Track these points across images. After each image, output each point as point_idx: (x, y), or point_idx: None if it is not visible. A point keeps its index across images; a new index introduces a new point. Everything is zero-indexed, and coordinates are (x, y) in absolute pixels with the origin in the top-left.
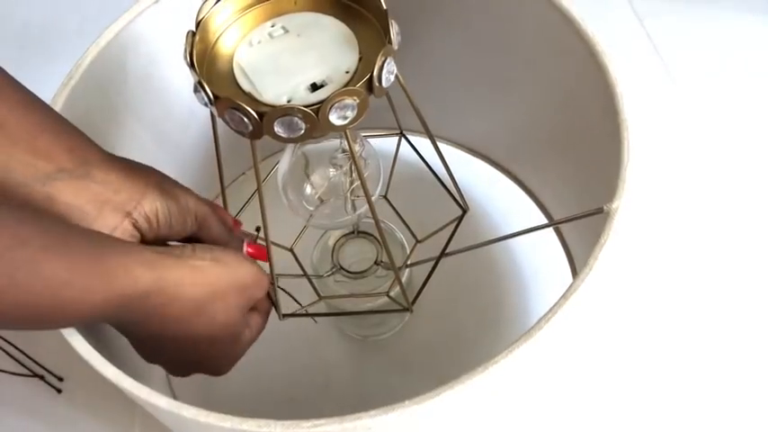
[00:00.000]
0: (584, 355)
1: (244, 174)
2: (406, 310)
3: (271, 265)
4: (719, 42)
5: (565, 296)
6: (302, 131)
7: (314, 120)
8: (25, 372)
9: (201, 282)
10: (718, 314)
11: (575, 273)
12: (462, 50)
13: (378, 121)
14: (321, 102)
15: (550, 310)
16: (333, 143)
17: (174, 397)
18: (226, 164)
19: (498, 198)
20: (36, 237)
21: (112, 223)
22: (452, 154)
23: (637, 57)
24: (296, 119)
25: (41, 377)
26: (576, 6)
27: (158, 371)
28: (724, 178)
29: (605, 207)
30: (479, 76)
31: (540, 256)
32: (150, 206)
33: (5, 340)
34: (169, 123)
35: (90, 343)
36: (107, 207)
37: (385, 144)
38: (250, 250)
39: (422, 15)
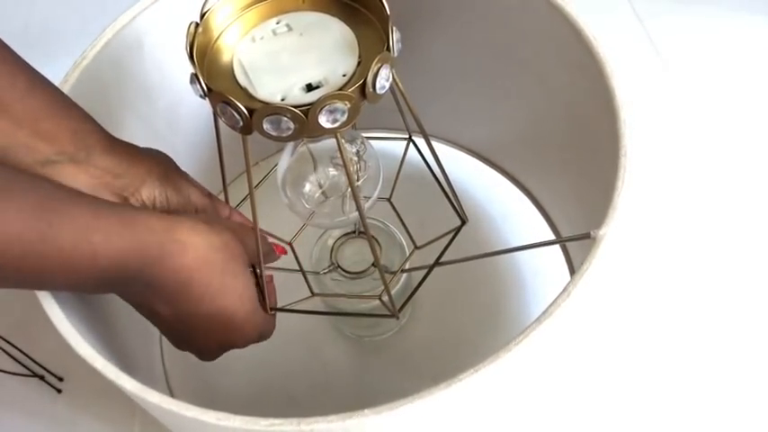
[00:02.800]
0: (558, 371)
1: (257, 164)
2: (392, 316)
3: (260, 259)
4: (720, 42)
5: (539, 320)
6: (291, 131)
7: (303, 121)
8: (25, 372)
9: (214, 231)
10: (709, 322)
11: (572, 272)
12: (475, 56)
13: (388, 122)
14: (312, 103)
15: (522, 332)
16: (335, 142)
17: (172, 395)
18: (235, 156)
19: (501, 202)
20: (62, 190)
21: None
22: (460, 158)
23: (637, 57)
24: (285, 118)
25: (41, 377)
26: (577, 6)
27: (158, 367)
28: (720, 179)
29: (592, 233)
30: (491, 84)
31: (539, 257)
32: (148, 193)
33: (5, 340)
34: (182, 110)
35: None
36: (105, 190)
37: (395, 146)
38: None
39: (436, 20)
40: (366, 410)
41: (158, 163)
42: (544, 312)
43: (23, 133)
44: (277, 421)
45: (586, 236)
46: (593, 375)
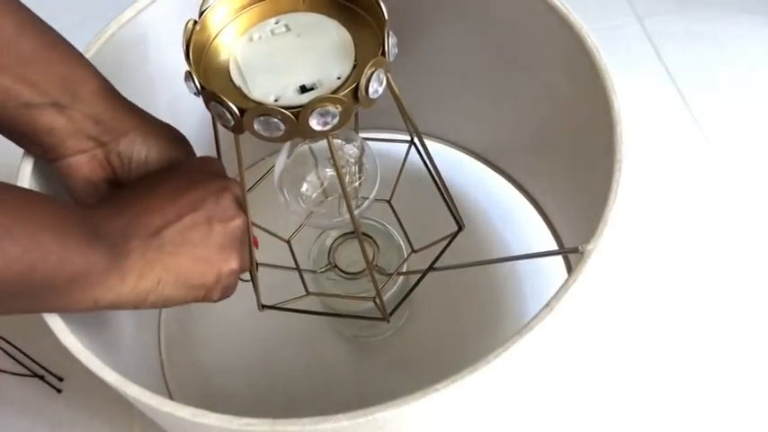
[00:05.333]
0: (547, 378)
1: (263, 159)
2: (383, 319)
3: (252, 255)
4: (719, 42)
5: (520, 333)
6: (282, 132)
7: (293, 122)
8: (25, 372)
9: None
10: (702, 335)
11: (570, 271)
12: (480, 61)
13: (392, 123)
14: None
15: (503, 344)
16: (334, 142)
17: (171, 397)
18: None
19: (503, 205)
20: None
21: (84, 146)
22: (462, 159)
23: (636, 57)
24: (275, 120)
25: (41, 377)
26: (575, 7)
27: (156, 367)
28: (721, 179)
29: (580, 248)
30: (495, 88)
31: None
32: (126, 147)
33: (5, 340)
34: (185, 105)
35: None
36: (82, 133)
37: (397, 147)
38: None
39: (442, 24)
40: (339, 415)
41: (153, 123)
42: (526, 326)
43: (6, 77)
44: (252, 421)
45: (575, 250)
46: (581, 381)
